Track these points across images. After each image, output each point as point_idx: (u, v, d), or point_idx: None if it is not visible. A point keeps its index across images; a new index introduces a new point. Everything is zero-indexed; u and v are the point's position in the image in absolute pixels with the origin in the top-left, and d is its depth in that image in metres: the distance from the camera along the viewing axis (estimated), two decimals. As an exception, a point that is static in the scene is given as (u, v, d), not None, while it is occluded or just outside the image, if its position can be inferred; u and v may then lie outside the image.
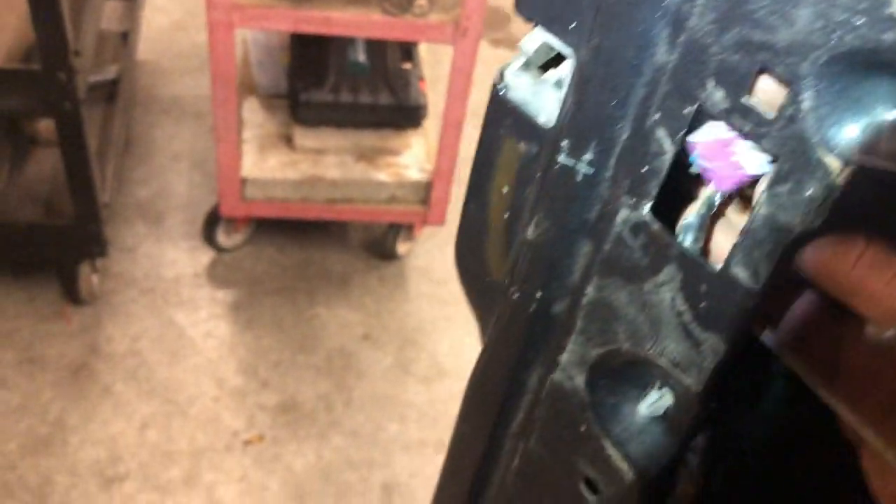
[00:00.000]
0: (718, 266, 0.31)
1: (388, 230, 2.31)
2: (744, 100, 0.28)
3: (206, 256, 2.29)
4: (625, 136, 0.32)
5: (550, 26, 0.34)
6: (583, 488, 0.41)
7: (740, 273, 0.30)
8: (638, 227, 0.33)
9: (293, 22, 1.78)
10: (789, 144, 0.27)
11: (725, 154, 0.30)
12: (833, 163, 0.26)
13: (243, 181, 2.08)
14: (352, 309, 2.23)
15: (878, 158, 0.25)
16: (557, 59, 0.38)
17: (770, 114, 0.27)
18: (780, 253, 0.29)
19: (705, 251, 0.35)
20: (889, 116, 0.25)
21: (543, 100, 0.37)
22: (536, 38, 0.37)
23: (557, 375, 0.40)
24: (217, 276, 2.25)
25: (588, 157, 0.34)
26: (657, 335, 0.34)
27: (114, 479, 1.82)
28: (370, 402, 2.04)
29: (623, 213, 0.33)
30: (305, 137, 2.16)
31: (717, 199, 0.35)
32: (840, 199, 0.26)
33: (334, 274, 2.32)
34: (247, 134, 2.17)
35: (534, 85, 0.37)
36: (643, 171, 0.32)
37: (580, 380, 0.39)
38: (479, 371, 0.46)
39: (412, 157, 2.22)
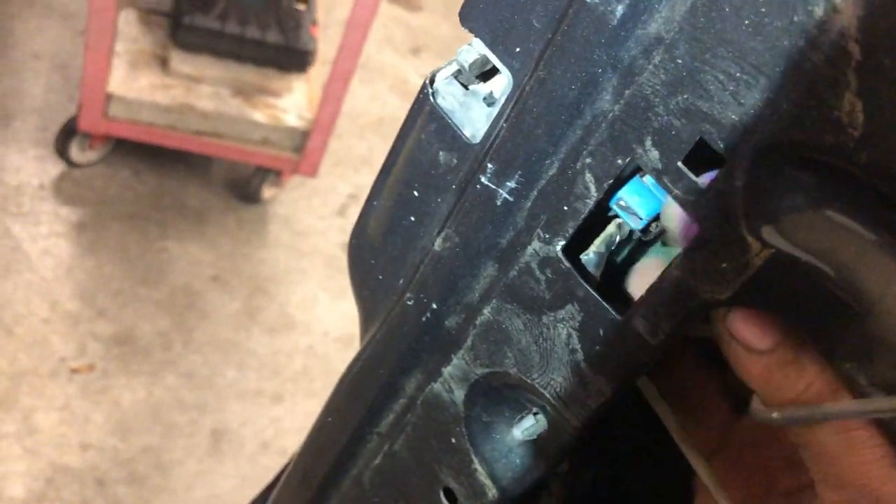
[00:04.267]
0: (620, 315, 0.32)
1: (255, 172, 2.24)
2: (679, 164, 0.28)
3: (54, 168, 2.14)
4: (552, 171, 0.32)
5: (494, 45, 0.33)
6: (442, 498, 0.42)
7: (641, 326, 0.31)
8: (547, 262, 0.33)
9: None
10: (714, 217, 0.28)
11: None
12: (753, 243, 0.27)
13: (108, 97, 1.95)
14: (204, 248, 2.16)
15: (795, 247, 0.26)
16: (492, 72, 0.38)
17: (703, 183, 0.28)
18: (683, 315, 0.30)
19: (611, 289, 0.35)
20: (813, 209, 0.26)
21: (471, 113, 0.37)
22: (474, 50, 0.36)
23: (437, 386, 0.40)
24: (64, 191, 2.11)
25: (511, 184, 0.33)
26: (546, 367, 0.35)
27: (-82, 392, 1.69)
28: (210, 345, 1.99)
29: (535, 245, 0.33)
30: (182, 62, 2.05)
31: (617, 239, 0.36)
32: (753, 279, 0.27)
33: (190, 209, 2.23)
34: (119, 47, 2.04)
35: (464, 96, 0.37)
36: (563, 209, 0.32)
37: (459, 394, 0.39)
38: (357, 366, 0.45)
39: (292, 101, 2.16)
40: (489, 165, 0.34)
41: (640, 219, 0.32)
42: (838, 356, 0.27)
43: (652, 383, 0.38)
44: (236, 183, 2.32)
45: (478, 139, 0.36)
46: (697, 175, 0.28)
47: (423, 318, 0.39)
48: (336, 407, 0.47)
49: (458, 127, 0.36)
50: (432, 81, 0.37)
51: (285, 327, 2.10)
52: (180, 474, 1.78)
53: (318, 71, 2.21)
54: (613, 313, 0.32)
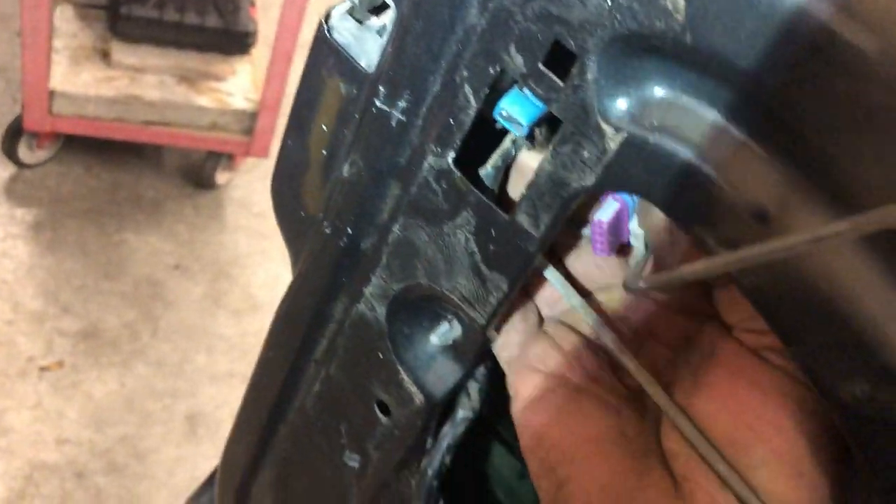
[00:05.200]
0: (506, 215, 0.35)
1: (207, 158, 2.24)
2: (539, 66, 0.31)
3: (4, 171, 2.13)
4: (435, 88, 0.35)
5: None
6: (376, 410, 0.45)
7: (524, 221, 0.34)
8: (441, 174, 0.36)
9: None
10: (573, 110, 0.31)
11: None
12: (608, 129, 0.30)
13: (51, 94, 1.94)
14: (163, 237, 2.17)
15: (647, 130, 0.29)
16: (382, 7, 0.40)
17: (559, 81, 0.31)
18: (559, 205, 0.33)
19: (503, 197, 0.38)
20: (656, 94, 0.30)
21: (366, 45, 0.39)
22: (363, -14, 0.39)
23: (361, 306, 0.43)
24: (17, 192, 2.11)
25: (402, 104, 0.36)
26: (451, 272, 0.38)
27: None
28: (178, 332, 2.00)
29: (430, 160, 0.36)
30: (124, 54, 2.04)
31: (513, 152, 0.39)
32: (612, 163, 0.30)
33: (146, 199, 2.23)
34: (58, 43, 2.03)
35: (358, 30, 0.39)
36: (449, 122, 0.35)
37: (381, 311, 0.42)
38: (288, 300, 0.48)
39: (237, 84, 2.16)
40: (381, 89, 0.37)
41: (522, 125, 0.35)
42: (689, 222, 0.30)
43: (612, 331, 0.38)
44: (189, 170, 2.32)
45: (373, 68, 0.38)
46: (558, 75, 0.31)
47: (341, 244, 0.42)
48: (274, 342, 0.50)
49: (354, 59, 0.39)
50: (328, 18, 0.40)
51: (251, 309, 2.12)
52: (159, 460, 1.80)
53: (262, 52, 2.21)
54: (501, 213, 0.35)
